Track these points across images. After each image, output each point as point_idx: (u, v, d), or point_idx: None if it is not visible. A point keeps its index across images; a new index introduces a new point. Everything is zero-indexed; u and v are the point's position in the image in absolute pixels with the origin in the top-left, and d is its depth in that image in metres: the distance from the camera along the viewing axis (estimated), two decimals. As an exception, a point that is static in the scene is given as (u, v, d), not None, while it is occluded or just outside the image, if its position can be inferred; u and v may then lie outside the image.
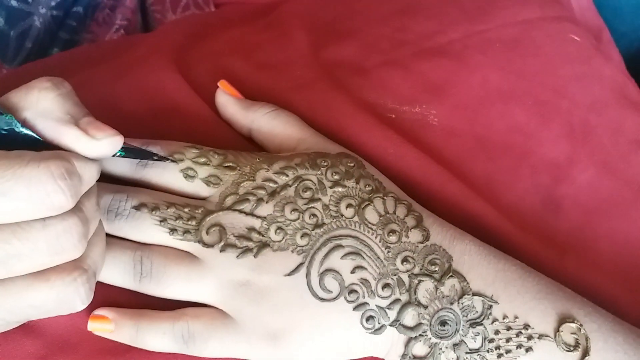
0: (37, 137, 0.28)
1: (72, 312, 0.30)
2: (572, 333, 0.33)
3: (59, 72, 0.42)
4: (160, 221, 0.34)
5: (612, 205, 0.41)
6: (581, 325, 0.33)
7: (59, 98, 0.29)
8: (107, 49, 0.46)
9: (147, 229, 0.34)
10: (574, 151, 0.42)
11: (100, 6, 0.53)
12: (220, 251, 0.34)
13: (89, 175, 0.29)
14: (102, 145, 0.29)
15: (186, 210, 0.34)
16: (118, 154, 0.32)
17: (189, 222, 0.34)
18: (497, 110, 0.42)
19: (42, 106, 0.28)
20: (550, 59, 0.44)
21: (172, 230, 0.34)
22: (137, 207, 0.34)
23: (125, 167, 0.35)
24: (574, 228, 0.40)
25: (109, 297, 0.35)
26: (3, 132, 0.27)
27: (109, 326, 0.34)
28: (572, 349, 0.33)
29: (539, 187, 0.40)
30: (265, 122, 0.39)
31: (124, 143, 0.31)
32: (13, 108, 0.28)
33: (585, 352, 0.33)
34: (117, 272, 0.34)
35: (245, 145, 0.40)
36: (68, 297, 0.29)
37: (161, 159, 0.35)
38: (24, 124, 0.28)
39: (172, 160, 0.35)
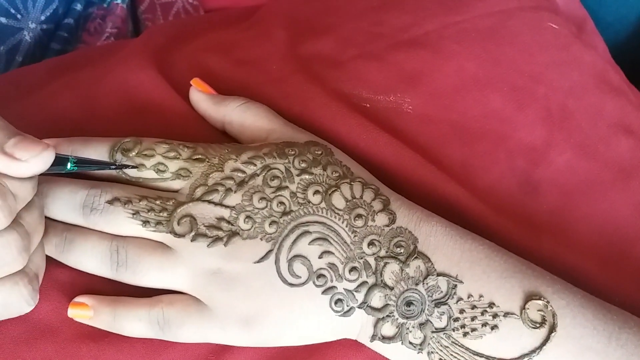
0: None
1: (21, 314, 0.31)
2: (538, 310, 0.33)
3: (45, 76, 0.44)
4: (133, 214, 0.35)
5: (590, 186, 0.41)
6: (548, 302, 0.33)
7: None
8: (94, 53, 0.48)
9: (121, 222, 0.35)
10: (551, 135, 0.42)
11: (91, 16, 0.54)
12: (192, 241, 0.35)
13: (25, 192, 0.30)
14: (30, 165, 0.30)
15: (158, 202, 0.35)
16: (70, 168, 0.33)
17: (161, 214, 0.35)
18: (473, 97, 0.42)
19: None
20: (527, 47, 0.44)
21: (145, 222, 0.35)
22: (111, 202, 0.35)
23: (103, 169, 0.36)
24: (551, 210, 0.40)
25: (89, 284, 0.36)
26: None
27: (88, 313, 0.35)
28: (538, 325, 0.33)
29: (516, 170, 0.40)
30: (236, 115, 0.39)
31: (78, 157, 0.33)
32: None
33: (552, 329, 0.32)
34: (95, 261, 0.35)
35: (221, 139, 0.41)
36: (13, 301, 0.31)
37: (119, 167, 0.36)
38: None
39: (133, 167, 0.36)
